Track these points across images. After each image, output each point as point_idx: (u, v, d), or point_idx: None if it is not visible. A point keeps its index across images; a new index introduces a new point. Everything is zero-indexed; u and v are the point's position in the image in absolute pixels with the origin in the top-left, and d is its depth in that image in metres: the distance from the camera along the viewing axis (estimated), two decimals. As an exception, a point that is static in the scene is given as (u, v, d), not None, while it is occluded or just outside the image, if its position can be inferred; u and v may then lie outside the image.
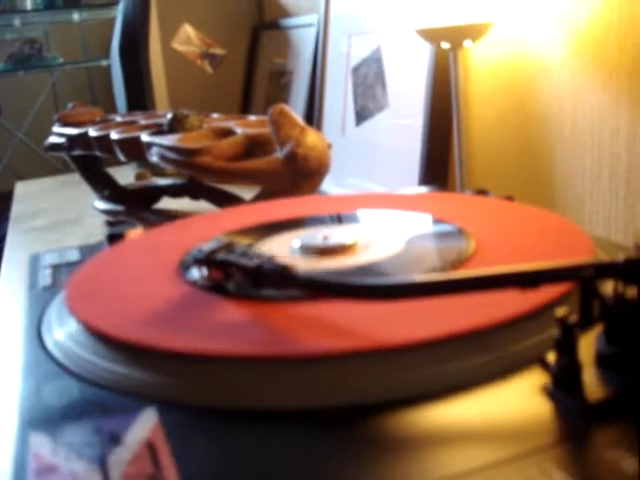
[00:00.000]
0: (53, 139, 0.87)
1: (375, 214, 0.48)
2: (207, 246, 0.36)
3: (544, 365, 0.26)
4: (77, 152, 0.84)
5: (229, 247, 0.35)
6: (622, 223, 0.61)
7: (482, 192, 0.50)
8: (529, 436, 0.23)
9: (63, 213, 0.98)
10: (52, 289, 0.44)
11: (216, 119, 0.77)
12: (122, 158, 0.74)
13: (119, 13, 1.25)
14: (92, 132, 0.78)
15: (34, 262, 0.52)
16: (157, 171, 1.02)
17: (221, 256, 0.35)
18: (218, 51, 1.27)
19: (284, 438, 0.24)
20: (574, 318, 0.25)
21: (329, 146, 0.64)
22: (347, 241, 0.40)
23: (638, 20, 0.57)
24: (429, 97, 0.78)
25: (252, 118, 0.75)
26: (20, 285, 0.48)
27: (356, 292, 0.29)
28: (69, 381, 0.30)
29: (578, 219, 0.66)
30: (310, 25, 1.12)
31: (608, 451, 0.22)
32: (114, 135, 0.74)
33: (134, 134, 0.72)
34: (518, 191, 0.72)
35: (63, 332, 0.35)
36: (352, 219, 0.48)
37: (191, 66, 1.26)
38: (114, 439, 0.25)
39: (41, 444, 0.25)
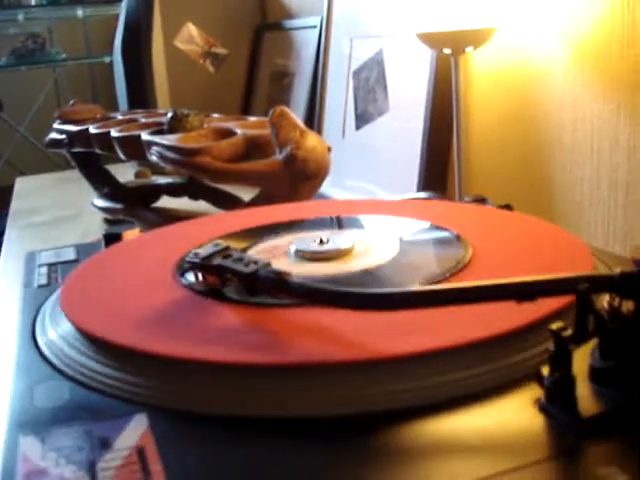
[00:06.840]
0: (53, 135, 0.87)
1: (372, 220, 0.48)
2: (203, 250, 0.35)
3: (538, 379, 0.26)
4: (77, 149, 0.84)
5: (225, 252, 0.35)
6: (620, 232, 0.61)
7: (480, 200, 0.50)
8: (521, 451, 0.23)
9: (62, 210, 0.98)
10: (47, 288, 0.44)
11: (216, 119, 0.76)
12: (122, 156, 0.74)
13: (122, 10, 1.25)
14: (92, 129, 0.78)
15: (30, 260, 0.51)
16: (157, 169, 1.02)
17: (217, 261, 0.34)
18: (220, 51, 1.27)
19: (276, 447, 0.24)
20: (569, 332, 0.25)
21: (329, 149, 0.63)
22: (343, 247, 0.40)
23: (640, 30, 0.57)
24: (430, 102, 0.78)
25: (252, 119, 0.74)
26: (17, 282, 0.48)
27: (351, 301, 0.29)
28: (61, 383, 0.30)
29: (577, 227, 0.66)
30: (312, 27, 1.12)
31: (600, 467, 0.22)
32: (114, 133, 0.74)
33: (134, 132, 0.72)
34: (517, 198, 0.72)
35: (56, 333, 0.35)
36: (349, 225, 0.48)
37: (193, 65, 1.26)
38: (104, 444, 0.25)
39: (31, 447, 0.25)
